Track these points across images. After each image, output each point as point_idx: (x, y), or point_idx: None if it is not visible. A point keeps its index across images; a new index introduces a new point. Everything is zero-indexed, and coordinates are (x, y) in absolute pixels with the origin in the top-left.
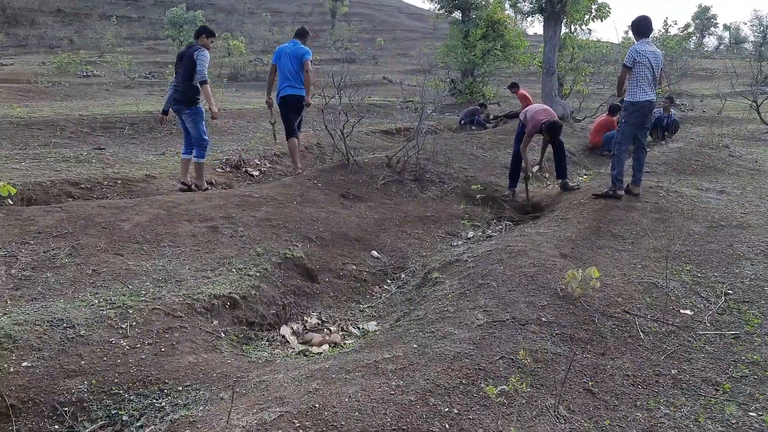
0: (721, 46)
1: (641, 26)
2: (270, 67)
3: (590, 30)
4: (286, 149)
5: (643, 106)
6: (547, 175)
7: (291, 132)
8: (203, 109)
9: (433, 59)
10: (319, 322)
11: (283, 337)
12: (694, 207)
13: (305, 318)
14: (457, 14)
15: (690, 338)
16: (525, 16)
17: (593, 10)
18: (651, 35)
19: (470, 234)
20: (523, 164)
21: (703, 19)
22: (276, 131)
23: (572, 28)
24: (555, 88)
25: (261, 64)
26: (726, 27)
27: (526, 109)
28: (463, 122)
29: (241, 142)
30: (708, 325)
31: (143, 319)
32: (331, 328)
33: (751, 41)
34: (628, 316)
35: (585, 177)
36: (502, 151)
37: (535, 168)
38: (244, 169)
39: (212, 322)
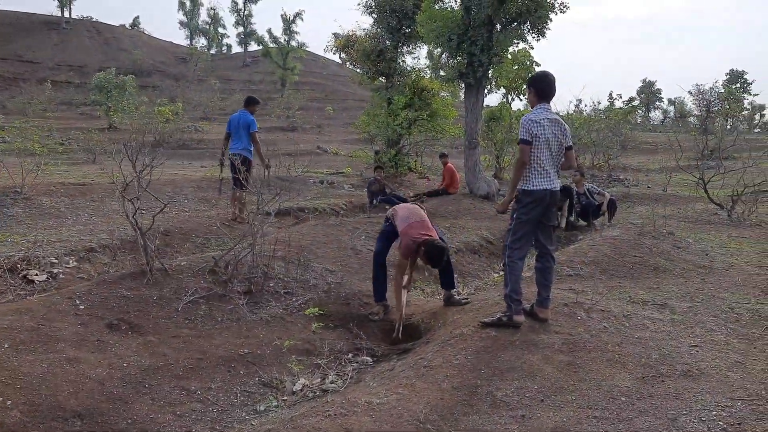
0: (667, 120)
1: (539, 84)
2: (224, 134)
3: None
4: (110, 242)
5: (542, 197)
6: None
7: (236, 184)
8: None
9: (354, 127)
10: None
11: None
12: (624, 339)
13: None
14: (382, 80)
15: None
16: (443, 83)
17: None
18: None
19: (299, 385)
20: (395, 303)
21: (648, 94)
22: (221, 187)
23: (509, 97)
24: (479, 163)
25: (194, 131)
26: (671, 102)
27: (396, 208)
28: (375, 201)
29: (58, 230)
30: None
31: None
32: None
33: (696, 115)
34: None
35: (498, 276)
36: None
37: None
38: (22, 273)
39: None
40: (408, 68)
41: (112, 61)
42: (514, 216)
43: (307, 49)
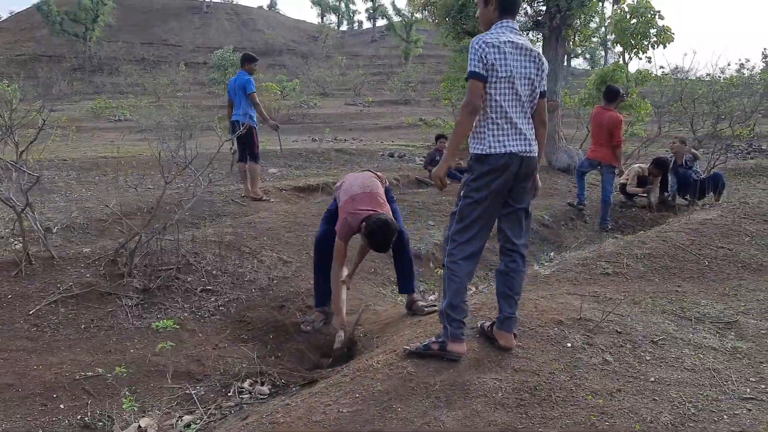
0: None
1: None
2: (227, 102)
3: (650, 58)
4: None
5: (505, 165)
6: None
7: (242, 157)
8: None
9: (434, 95)
10: None
11: None
12: (627, 384)
13: None
14: (468, 41)
15: None
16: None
17: (652, 35)
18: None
19: (132, 429)
20: (333, 284)
21: None
22: (233, 159)
23: (626, 56)
24: (558, 129)
25: (306, 107)
26: None
27: (343, 180)
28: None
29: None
30: None
31: None
32: None
33: None
34: None
35: (540, 267)
36: (410, 222)
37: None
38: None
39: None
40: None
41: (246, 42)
42: (461, 194)
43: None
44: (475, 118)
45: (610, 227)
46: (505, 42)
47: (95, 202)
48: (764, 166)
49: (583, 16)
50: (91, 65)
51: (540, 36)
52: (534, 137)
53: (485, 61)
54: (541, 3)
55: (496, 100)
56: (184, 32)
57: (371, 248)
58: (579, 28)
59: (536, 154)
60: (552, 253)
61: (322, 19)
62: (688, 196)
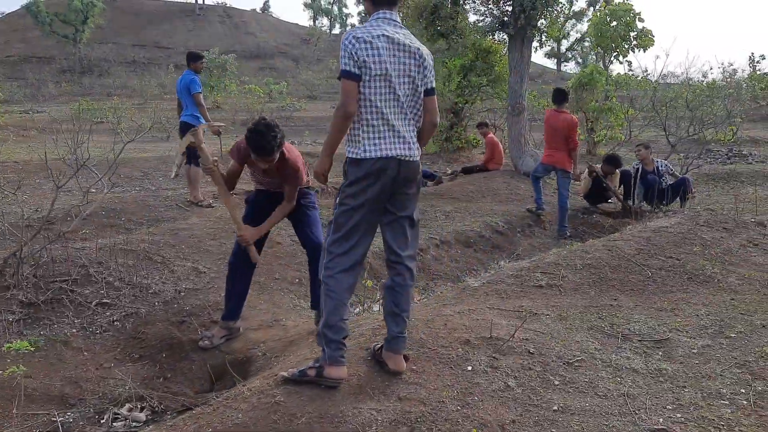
0: None
1: None
2: (177, 102)
3: (630, 62)
4: None
5: (381, 169)
6: None
7: (189, 159)
8: None
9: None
10: None
11: None
12: (525, 413)
13: None
14: (442, 43)
15: None
16: (483, 36)
17: (632, 38)
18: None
19: None
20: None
21: None
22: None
23: (606, 60)
24: (525, 133)
25: (290, 110)
26: None
27: None
28: None
29: None
30: None
31: None
32: None
33: None
34: None
35: (477, 280)
36: None
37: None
38: None
39: None
40: (470, 27)
41: (238, 45)
42: (336, 201)
43: None
44: (350, 122)
45: (569, 234)
46: (378, 36)
47: (27, 207)
48: (739, 172)
49: (548, 16)
50: (80, 67)
51: (505, 37)
52: (415, 140)
53: (356, 59)
54: (507, 3)
55: (370, 101)
56: (176, 35)
57: (254, 154)
58: (545, 28)
59: (418, 158)
60: (502, 262)
61: (314, 22)
62: (646, 202)
